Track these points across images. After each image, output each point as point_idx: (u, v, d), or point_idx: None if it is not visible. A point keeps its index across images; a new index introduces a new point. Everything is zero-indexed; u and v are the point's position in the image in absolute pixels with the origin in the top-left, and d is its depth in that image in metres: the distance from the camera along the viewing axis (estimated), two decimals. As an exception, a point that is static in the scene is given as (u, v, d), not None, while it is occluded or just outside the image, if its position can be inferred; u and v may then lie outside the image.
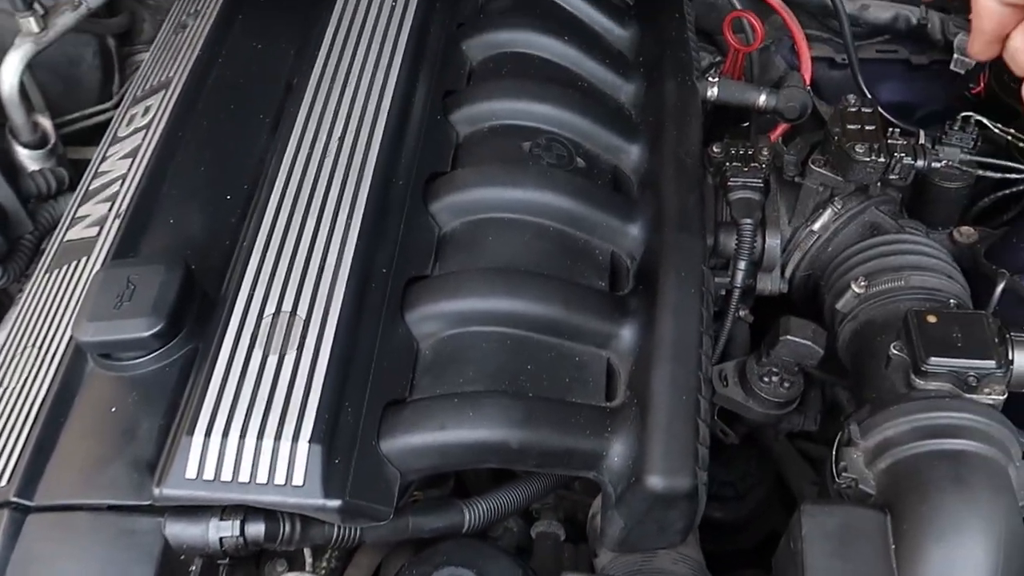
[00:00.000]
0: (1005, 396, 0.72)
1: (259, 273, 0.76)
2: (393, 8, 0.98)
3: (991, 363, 0.71)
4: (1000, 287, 0.80)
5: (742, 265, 0.85)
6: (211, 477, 0.64)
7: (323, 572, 0.79)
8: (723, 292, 0.89)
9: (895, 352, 0.74)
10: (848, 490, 0.72)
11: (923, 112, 1.04)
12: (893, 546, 0.66)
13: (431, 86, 0.93)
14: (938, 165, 0.85)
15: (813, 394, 0.92)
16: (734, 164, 0.87)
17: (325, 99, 0.89)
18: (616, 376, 0.78)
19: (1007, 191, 0.94)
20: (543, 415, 0.71)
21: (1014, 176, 0.89)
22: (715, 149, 0.89)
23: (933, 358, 0.72)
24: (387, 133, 0.85)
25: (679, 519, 0.73)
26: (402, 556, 0.80)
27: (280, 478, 0.64)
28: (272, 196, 0.81)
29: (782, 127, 1.03)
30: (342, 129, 0.86)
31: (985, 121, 0.90)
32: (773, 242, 0.89)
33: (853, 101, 0.87)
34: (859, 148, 0.81)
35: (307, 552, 0.74)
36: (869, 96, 1.01)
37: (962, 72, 1.07)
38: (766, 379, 0.84)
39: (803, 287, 0.92)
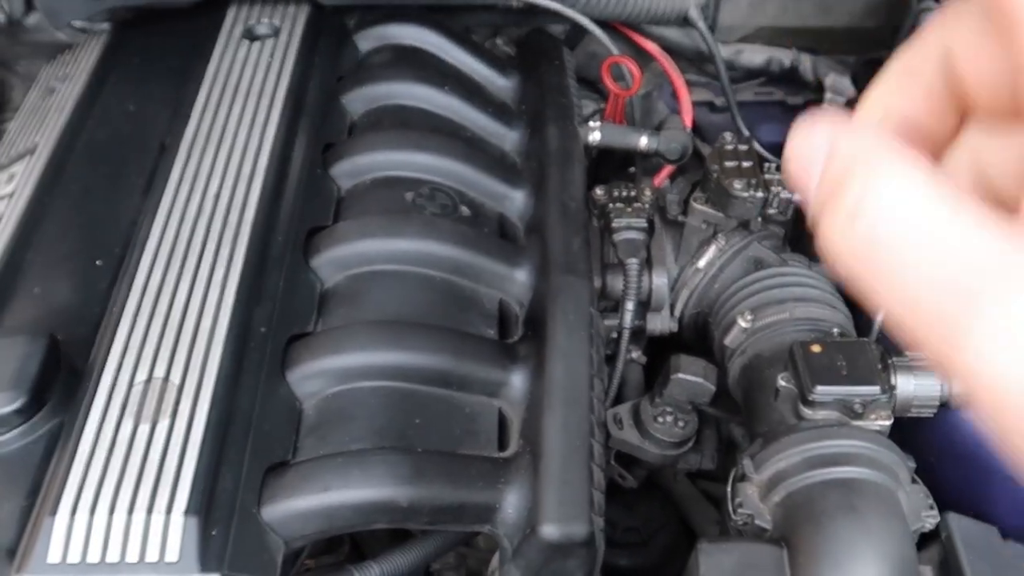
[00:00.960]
0: (891, 421, 0.72)
1: (129, 339, 0.72)
2: (270, 64, 0.97)
3: (875, 389, 0.72)
4: (881, 315, 0.81)
5: (630, 305, 0.85)
6: (77, 560, 0.60)
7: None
8: (614, 335, 0.88)
9: (783, 384, 0.74)
10: (745, 527, 0.72)
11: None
12: (791, 580, 0.65)
13: (310, 141, 0.91)
14: (814, 198, 0.86)
15: (708, 432, 0.92)
16: (617, 206, 0.87)
17: (200, 158, 0.86)
18: (509, 425, 0.76)
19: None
20: (432, 470, 0.69)
21: (888, 206, 0.91)
22: (598, 192, 0.89)
23: (819, 387, 0.72)
24: (264, 189, 0.83)
25: (578, 568, 0.71)
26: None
27: (153, 555, 0.61)
28: (143, 259, 0.78)
29: (667, 169, 1.04)
30: (217, 188, 0.84)
31: (857, 154, 0.92)
32: (660, 281, 0.89)
33: (730, 139, 0.88)
34: (737, 184, 0.81)
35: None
36: (747, 134, 1.03)
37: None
38: (660, 419, 0.84)
39: (693, 325, 0.92)
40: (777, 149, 1.05)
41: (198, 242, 0.79)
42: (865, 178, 0.29)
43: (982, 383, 0.27)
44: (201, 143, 0.88)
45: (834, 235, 0.30)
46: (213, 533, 0.62)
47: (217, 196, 0.83)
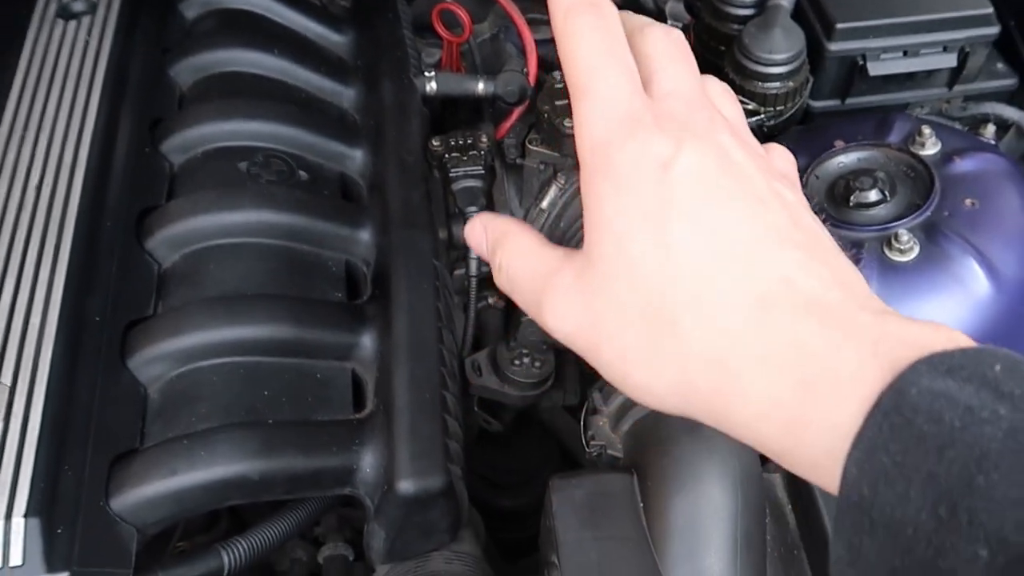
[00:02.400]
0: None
1: (-44, 345, 0.70)
2: (87, 43, 0.93)
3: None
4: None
5: (474, 253, 0.85)
6: (-84, 574, 0.59)
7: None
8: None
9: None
10: (599, 458, 0.73)
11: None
12: (642, 504, 0.67)
13: (136, 119, 0.88)
14: (646, 128, 0.87)
15: (570, 369, 0.93)
16: (454, 155, 0.87)
17: (18, 150, 0.83)
18: (364, 386, 0.76)
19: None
20: (282, 440, 0.69)
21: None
22: (435, 143, 0.89)
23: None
24: (88, 175, 0.81)
25: (441, 519, 0.72)
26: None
27: (-4, 561, 0.60)
28: (-35, 261, 0.75)
29: (516, 113, 1.03)
30: (39, 178, 0.80)
31: (687, 80, 0.94)
32: (505, 226, 0.89)
33: (559, 78, 0.88)
34: (567, 122, 0.82)
35: (50, 633, 0.69)
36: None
37: (673, 36, 1.11)
38: (517, 362, 0.85)
39: (544, 265, 0.93)
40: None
41: (21, 237, 0.76)
42: (501, 248, 0.59)
43: (554, 332, 0.52)
44: (19, 133, 0.84)
45: (498, 278, 0.60)
46: (58, 531, 0.62)
47: (39, 187, 0.80)
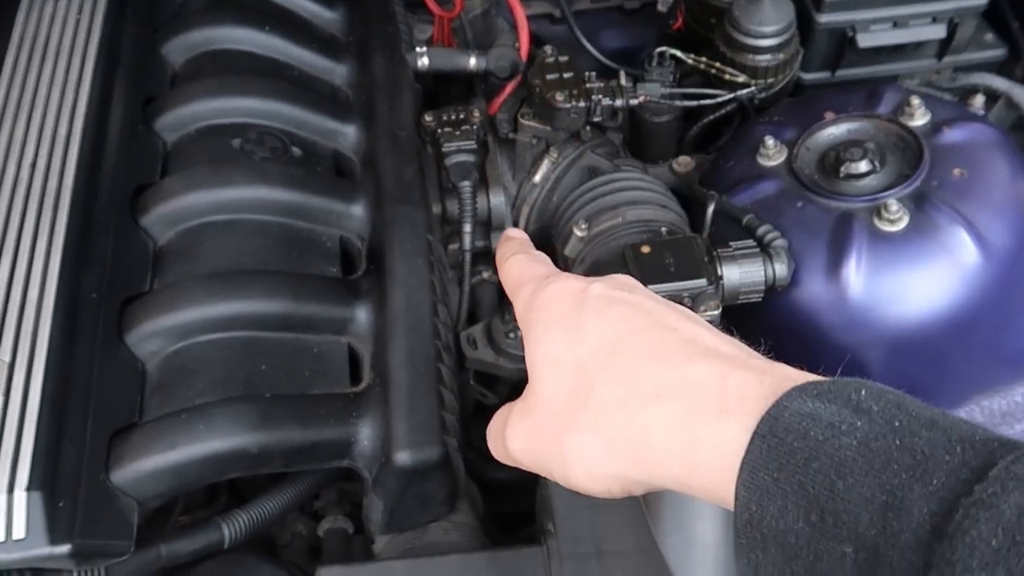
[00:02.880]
0: (719, 310, 0.75)
1: (-45, 322, 0.70)
2: (79, 22, 0.93)
3: (702, 282, 0.75)
4: (711, 208, 0.84)
5: (467, 228, 0.85)
6: (-79, 546, 0.60)
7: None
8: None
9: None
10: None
11: (644, 55, 1.08)
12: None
13: (129, 96, 0.88)
14: (636, 101, 0.88)
15: (564, 341, 0.94)
16: (446, 130, 0.87)
17: (12, 127, 0.83)
18: (361, 361, 0.77)
19: (713, 117, 0.98)
20: (280, 414, 0.70)
21: (710, 102, 0.94)
22: (427, 118, 0.89)
23: (649, 286, 0.74)
24: (83, 152, 0.81)
25: (438, 490, 0.73)
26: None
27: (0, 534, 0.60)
28: (-39, 237, 0.76)
29: (508, 88, 1.04)
30: (33, 155, 0.81)
31: (678, 54, 0.94)
32: (498, 200, 0.90)
33: (550, 52, 0.89)
34: (559, 96, 0.82)
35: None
36: (586, 43, 1.03)
37: (664, 11, 1.11)
38: (511, 335, 0.86)
39: (537, 240, 0.93)
40: (619, 55, 1.06)
41: (17, 214, 0.76)
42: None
43: (514, 455, 0.56)
44: (12, 111, 0.84)
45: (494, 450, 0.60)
46: (60, 505, 0.62)
47: (33, 164, 0.80)
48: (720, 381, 0.46)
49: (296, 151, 0.87)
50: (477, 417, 1.02)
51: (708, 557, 0.65)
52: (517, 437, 0.55)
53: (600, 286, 0.55)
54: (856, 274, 0.78)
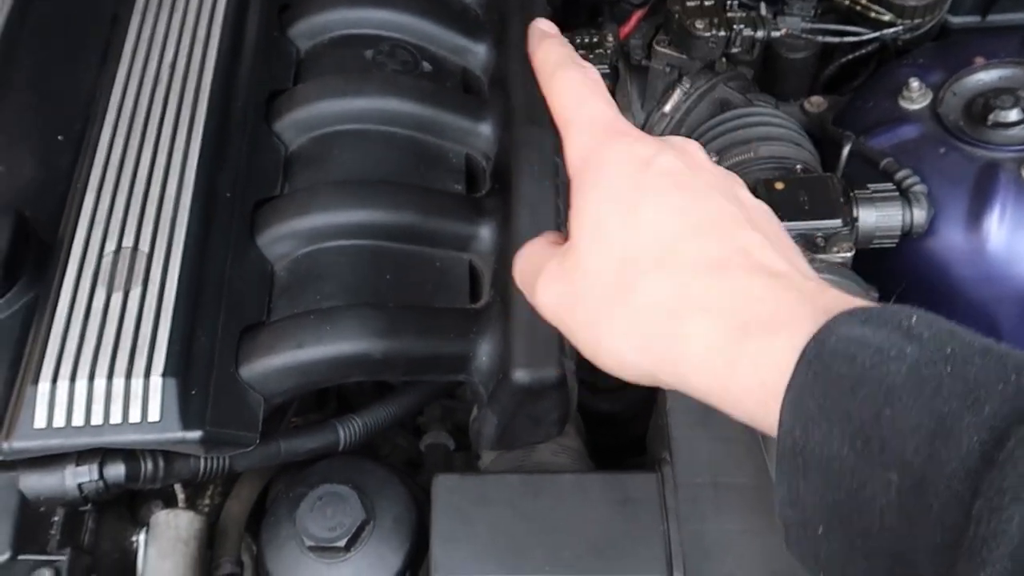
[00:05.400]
0: (853, 252, 0.73)
1: (96, 211, 0.73)
2: (218, -74, 0.93)
3: (837, 222, 0.73)
4: (846, 149, 0.81)
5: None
6: (62, 424, 0.62)
7: (206, 509, 0.78)
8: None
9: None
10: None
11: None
12: (755, 409, 0.67)
13: (265, 3, 0.89)
14: (778, 34, 0.85)
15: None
16: (579, 53, 0.86)
17: (153, 27, 0.85)
18: (480, 277, 0.77)
19: (851, 56, 0.95)
20: (405, 323, 0.71)
21: (854, 39, 0.90)
22: (560, 40, 0.88)
23: (782, 223, 0.73)
24: (221, 54, 0.82)
25: (552, 410, 0.73)
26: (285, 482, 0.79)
27: (135, 416, 0.62)
28: (104, 132, 0.78)
29: (636, 15, 1.01)
30: (172, 55, 0.82)
31: (823, -13, 0.91)
32: (626, 128, 0.88)
33: (690, -22, 0.86)
34: (699, 24, 0.80)
35: (179, 489, 0.73)
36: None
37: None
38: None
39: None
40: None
41: (157, 111, 0.78)
42: (518, 256, 0.59)
43: (542, 310, 0.55)
44: (153, 11, 0.86)
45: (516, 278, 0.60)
46: (193, 392, 0.64)
47: (173, 64, 0.81)
48: (771, 301, 0.45)
49: (426, 66, 0.87)
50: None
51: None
52: (549, 293, 0.54)
53: (668, 157, 0.51)
54: (998, 227, 0.75)
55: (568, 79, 0.55)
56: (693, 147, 0.54)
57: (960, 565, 0.35)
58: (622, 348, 0.49)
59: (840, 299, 0.44)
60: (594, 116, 0.54)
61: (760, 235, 0.49)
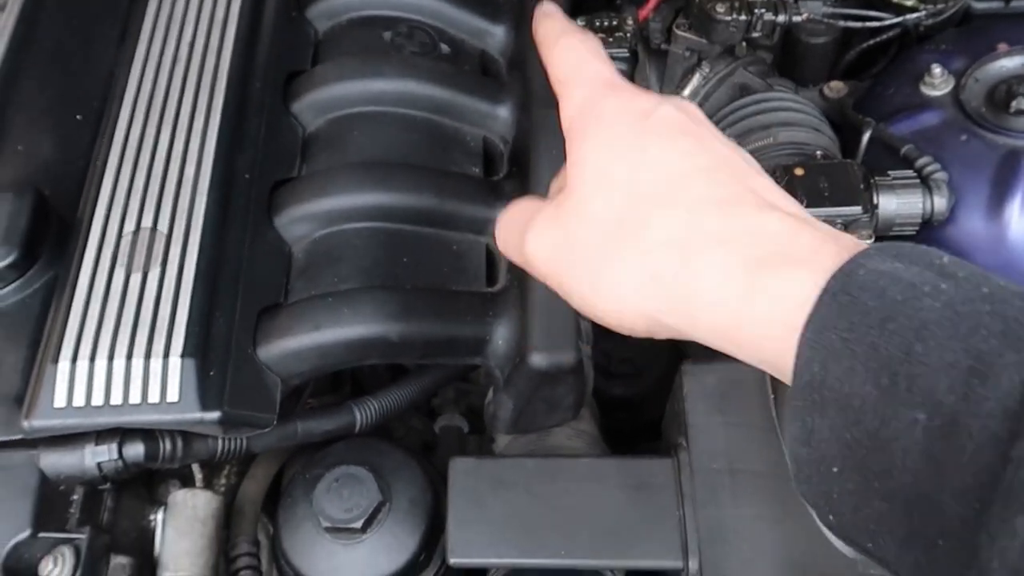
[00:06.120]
0: (872, 240, 0.73)
1: (115, 191, 0.73)
2: (236, -96, 0.93)
3: (857, 208, 0.73)
4: (866, 135, 0.81)
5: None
6: (82, 403, 0.63)
7: (222, 489, 0.78)
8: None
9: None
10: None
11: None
12: (772, 396, 0.67)
13: (284, -17, 0.89)
14: (799, 19, 0.84)
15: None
16: (599, 36, 0.85)
17: (172, 5, 0.85)
18: (497, 261, 0.77)
19: (872, 41, 0.94)
20: (422, 305, 0.71)
21: (876, 24, 0.90)
22: (579, 23, 0.87)
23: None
24: (239, 35, 0.82)
25: (567, 394, 0.73)
26: (301, 463, 0.80)
27: (154, 396, 0.63)
28: (123, 110, 0.78)
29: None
30: (191, 35, 0.82)
31: (845, -29, 0.90)
32: (644, 112, 0.88)
33: (712, -40, 0.86)
34: (720, 8, 0.80)
35: (196, 469, 0.73)
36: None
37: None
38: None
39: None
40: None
41: (176, 91, 0.78)
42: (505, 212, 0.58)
43: (531, 260, 0.54)
44: (171, -10, 0.86)
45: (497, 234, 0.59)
46: (211, 373, 0.64)
47: (191, 43, 0.81)
48: (791, 235, 0.43)
49: (444, 48, 0.87)
50: (596, 333, 1.02)
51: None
52: (542, 242, 0.51)
53: (669, 108, 0.49)
54: (1020, 215, 0.75)
55: (567, 45, 0.55)
56: (693, 107, 0.52)
57: (995, 508, 0.34)
58: (625, 290, 0.47)
59: (860, 243, 0.42)
60: (592, 74, 0.53)
61: (769, 181, 0.48)
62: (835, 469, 0.39)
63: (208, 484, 0.76)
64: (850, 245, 0.41)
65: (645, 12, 0.97)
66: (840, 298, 0.38)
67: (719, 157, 0.48)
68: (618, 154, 0.48)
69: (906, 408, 0.36)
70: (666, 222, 0.46)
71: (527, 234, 0.52)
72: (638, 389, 1.03)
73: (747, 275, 0.42)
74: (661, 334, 0.48)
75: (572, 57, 0.54)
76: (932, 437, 0.36)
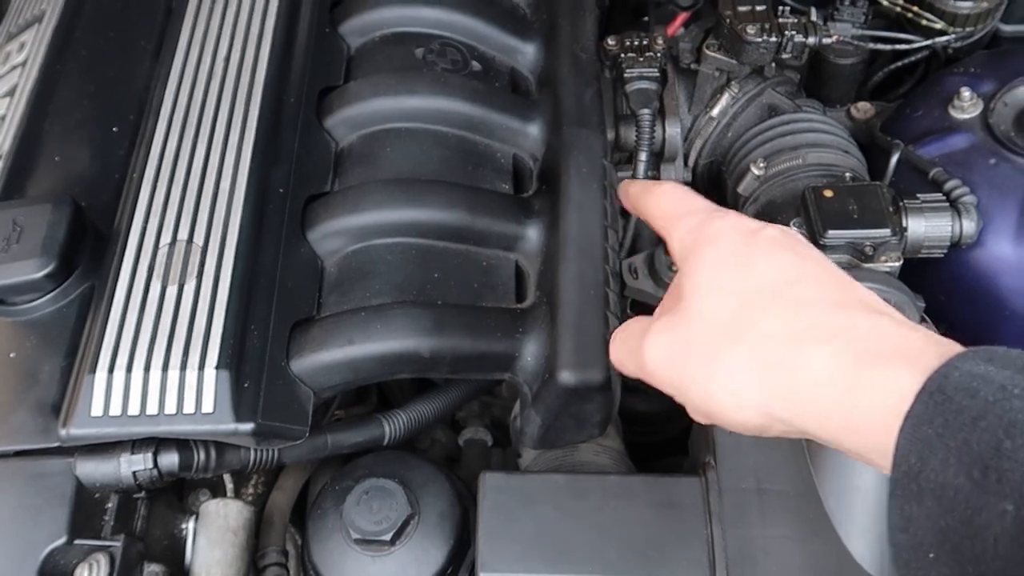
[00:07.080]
0: (901, 262, 0.73)
1: (151, 204, 0.74)
2: (272, -77, 0.94)
3: (886, 231, 0.73)
4: (895, 158, 0.81)
5: (643, 156, 0.85)
6: (118, 413, 0.64)
7: (250, 499, 0.79)
8: (629, 186, 0.89)
9: (795, 229, 0.75)
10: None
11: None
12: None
13: (317, 0, 0.90)
14: (829, 41, 0.85)
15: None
16: (629, 55, 0.86)
17: (207, 20, 0.86)
18: (526, 278, 0.78)
19: (900, 63, 0.95)
20: (452, 321, 0.71)
21: (904, 47, 0.90)
22: (610, 42, 0.88)
23: (831, 231, 0.73)
24: (274, 50, 0.83)
25: (595, 412, 0.74)
26: (329, 475, 0.81)
27: (189, 407, 0.64)
28: (159, 124, 0.79)
29: (680, 17, 1.01)
30: (227, 50, 0.83)
31: (875, -6, 0.91)
32: (673, 131, 0.89)
33: (743, -19, 0.86)
34: (750, 29, 0.80)
35: (227, 479, 0.74)
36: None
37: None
38: (674, 268, 0.85)
39: (707, 175, 0.92)
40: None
41: (211, 105, 0.79)
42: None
43: (648, 367, 0.56)
44: (208, 4, 0.87)
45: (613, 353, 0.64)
46: (245, 385, 0.65)
47: (227, 58, 0.82)
48: (897, 336, 0.47)
49: (476, 65, 0.88)
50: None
51: (868, 506, 0.65)
52: (659, 347, 0.55)
53: (775, 230, 0.55)
54: (1048, 239, 0.75)
55: (663, 191, 0.61)
56: (795, 231, 0.58)
57: None
58: (739, 383, 0.50)
59: (957, 346, 0.46)
60: (697, 205, 0.59)
61: (872, 293, 0.52)
62: (931, 555, 0.42)
63: (236, 494, 0.77)
64: (948, 346, 0.45)
65: (672, 29, 0.98)
66: (936, 396, 0.42)
67: (826, 269, 0.53)
68: (730, 264, 0.53)
69: (996, 499, 0.39)
70: (778, 317, 0.50)
71: (644, 342, 0.56)
72: (660, 405, 1.03)
73: (851, 369, 0.46)
74: (773, 430, 0.51)
75: (673, 196, 0.61)
76: (1021, 527, 0.39)
